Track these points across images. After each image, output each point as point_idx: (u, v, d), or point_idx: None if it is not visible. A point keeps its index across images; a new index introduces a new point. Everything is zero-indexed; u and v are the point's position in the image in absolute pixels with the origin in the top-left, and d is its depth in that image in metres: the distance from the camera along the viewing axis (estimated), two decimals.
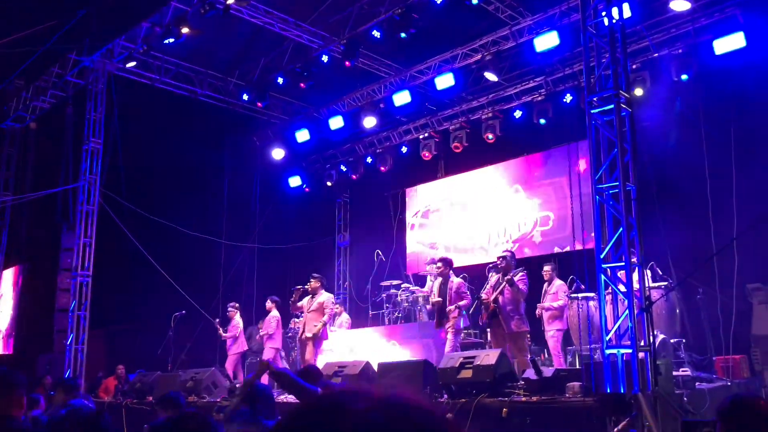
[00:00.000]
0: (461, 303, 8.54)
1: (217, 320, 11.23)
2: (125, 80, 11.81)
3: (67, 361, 10.77)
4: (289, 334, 11.72)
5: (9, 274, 13.33)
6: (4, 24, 10.41)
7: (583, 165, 10.38)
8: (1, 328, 13.14)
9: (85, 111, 11.63)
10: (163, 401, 5.02)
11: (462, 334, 9.08)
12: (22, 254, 13.14)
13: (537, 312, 8.73)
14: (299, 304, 9.58)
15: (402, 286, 11.80)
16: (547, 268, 8.96)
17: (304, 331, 9.42)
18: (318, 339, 9.37)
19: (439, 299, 8.64)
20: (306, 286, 9.63)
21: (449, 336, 8.57)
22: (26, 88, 12.61)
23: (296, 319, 11.81)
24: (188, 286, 12.05)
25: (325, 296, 9.53)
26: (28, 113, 12.92)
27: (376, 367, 8.03)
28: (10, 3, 10.64)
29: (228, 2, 9.44)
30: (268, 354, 10.51)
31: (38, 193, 12.10)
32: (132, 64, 11.48)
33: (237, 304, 11.24)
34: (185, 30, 9.94)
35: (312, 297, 9.49)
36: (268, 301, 10.90)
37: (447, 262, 9.03)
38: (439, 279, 8.88)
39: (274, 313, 10.74)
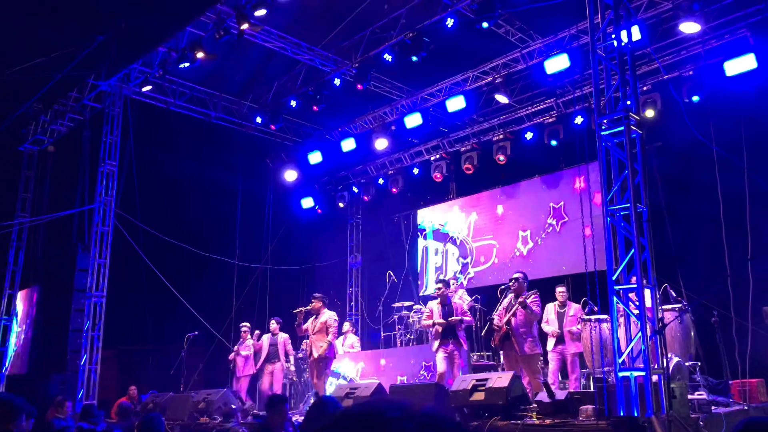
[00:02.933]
0: (456, 318, 8.51)
1: (235, 349, 11.24)
2: (141, 104, 12.04)
3: (80, 381, 10.84)
4: (300, 356, 11.71)
5: (25, 294, 13.47)
6: (24, 49, 10.68)
7: (579, 183, 10.44)
8: (16, 348, 13.24)
9: (102, 134, 11.85)
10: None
11: (467, 354, 9.02)
12: (38, 275, 13.29)
13: (552, 333, 8.70)
14: (304, 327, 9.59)
15: (414, 307, 11.78)
16: (561, 290, 8.95)
17: (311, 353, 9.45)
18: (326, 359, 9.41)
19: (442, 321, 8.59)
20: (308, 307, 9.64)
21: (457, 355, 8.50)
22: (45, 112, 12.88)
23: (307, 341, 11.82)
24: (201, 307, 12.11)
25: (327, 315, 9.56)
26: (46, 136, 13.17)
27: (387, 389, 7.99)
28: (30, 29, 10.92)
29: (242, 27, 9.62)
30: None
31: (55, 214, 12.28)
32: (148, 87, 11.71)
33: (249, 324, 11.25)
34: (200, 54, 10.15)
35: (315, 317, 9.55)
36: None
37: (445, 284, 9.05)
38: (437, 300, 8.84)
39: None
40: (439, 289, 8.87)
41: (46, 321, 12.85)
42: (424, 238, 14.38)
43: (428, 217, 14.47)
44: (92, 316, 11.17)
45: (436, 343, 8.61)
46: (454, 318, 8.52)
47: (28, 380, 12.31)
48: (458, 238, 13.76)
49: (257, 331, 11.21)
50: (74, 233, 11.80)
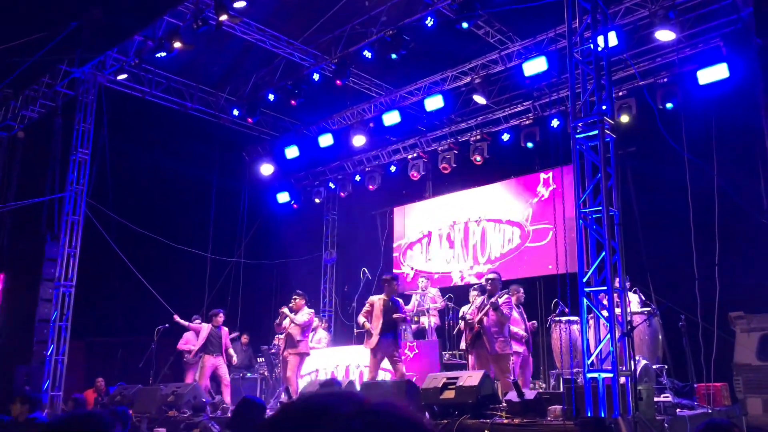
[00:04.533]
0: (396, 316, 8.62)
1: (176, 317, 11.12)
2: (116, 92, 11.83)
3: (46, 372, 10.63)
4: (272, 351, 11.64)
5: None
6: None
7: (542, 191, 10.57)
8: None
9: (74, 122, 11.62)
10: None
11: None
12: (3, 263, 12.99)
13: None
14: (284, 324, 9.58)
15: None
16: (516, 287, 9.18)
17: (285, 347, 9.43)
18: (301, 355, 9.42)
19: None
20: (290, 305, 9.63)
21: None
22: (15, 97, 12.57)
23: (280, 336, 11.76)
24: (173, 300, 11.96)
25: (306, 312, 9.65)
26: (16, 122, 12.86)
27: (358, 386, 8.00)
28: (2, 13, 10.65)
29: (220, 18, 9.51)
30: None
31: (23, 201, 12.01)
32: (123, 76, 11.51)
33: (198, 317, 11.16)
34: (177, 44, 10.01)
35: (295, 314, 9.57)
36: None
37: (394, 278, 9.18)
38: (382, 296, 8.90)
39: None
40: (388, 283, 8.92)
41: (12, 311, 12.57)
42: (399, 238, 14.40)
43: (405, 216, 14.48)
44: (60, 306, 10.97)
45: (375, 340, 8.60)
46: (398, 315, 8.61)
47: None
48: (433, 237, 13.81)
49: (195, 317, 11.15)
50: (43, 222, 11.56)
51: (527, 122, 11.80)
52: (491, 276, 8.60)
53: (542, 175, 12.15)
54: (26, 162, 12.90)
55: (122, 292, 12.28)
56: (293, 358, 9.40)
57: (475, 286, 9.17)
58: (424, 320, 10.87)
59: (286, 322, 9.52)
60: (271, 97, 11.81)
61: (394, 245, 14.32)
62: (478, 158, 12.32)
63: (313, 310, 10.00)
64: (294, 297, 9.75)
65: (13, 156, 13.08)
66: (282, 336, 11.54)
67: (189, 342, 11.13)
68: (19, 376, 11.10)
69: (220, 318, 10.66)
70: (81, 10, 10.66)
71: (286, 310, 9.60)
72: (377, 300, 8.85)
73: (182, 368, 11.64)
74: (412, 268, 13.80)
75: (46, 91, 12.10)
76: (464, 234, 13.12)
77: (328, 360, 10.84)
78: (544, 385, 9.51)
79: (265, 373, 11.80)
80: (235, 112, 12.62)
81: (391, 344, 8.65)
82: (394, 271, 13.95)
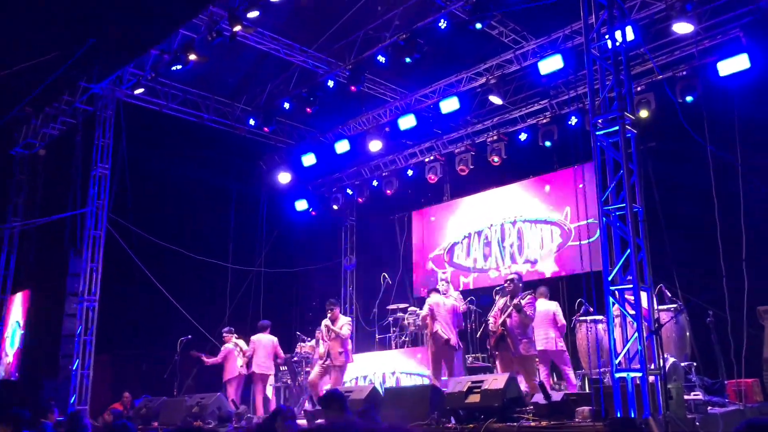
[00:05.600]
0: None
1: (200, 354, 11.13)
2: (133, 106, 11.96)
3: (72, 386, 10.73)
4: (295, 359, 11.64)
5: (17, 299, 13.35)
6: (15, 52, 10.59)
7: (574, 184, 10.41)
8: (9, 353, 13.12)
9: (94, 137, 11.76)
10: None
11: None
12: (30, 279, 13.17)
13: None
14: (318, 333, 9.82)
15: (409, 309, 11.74)
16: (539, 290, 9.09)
17: (328, 358, 9.42)
18: (343, 365, 9.45)
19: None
20: (328, 315, 9.61)
21: None
22: (36, 116, 12.77)
23: (302, 344, 11.76)
24: (195, 311, 12.03)
25: (343, 320, 9.62)
26: (37, 140, 13.06)
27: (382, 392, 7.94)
28: (21, 32, 10.82)
29: (234, 29, 9.57)
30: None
31: (47, 218, 12.17)
32: (140, 90, 11.63)
33: (231, 328, 11.14)
34: (192, 57, 10.09)
35: (333, 323, 9.52)
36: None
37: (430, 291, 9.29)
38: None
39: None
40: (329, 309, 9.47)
41: (37, 326, 12.74)
42: (420, 241, 14.32)
43: (425, 220, 14.42)
44: (84, 320, 11.07)
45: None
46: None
47: (20, 386, 12.19)
48: (455, 239, 13.73)
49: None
50: (66, 237, 11.70)
51: (544, 121, 11.70)
52: (512, 276, 8.51)
53: (562, 174, 12.01)
54: (48, 179, 13.08)
55: (145, 305, 12.37)
56: (335, 371, 9.38)
57: (497, 288, 9.07)
58: None
59: (323, 330, 9.57)
60: (287, 105, 11.85)
61: (434, 250, 14.10)
62: (496, 159, 12.23)
63: (350, 318, 10.09)
64: (330, 307, 9.64)
65: (35, 173, 13.27)
66: (307, 344, 11.56)
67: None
68: (46, 390, 11.22)
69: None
70: (98, 27, 10.80)
71: (327, 322, 9.52)
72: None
73: (207, 379, 11.69)
74: (450, 269, 13.60)
75: (66, 108, 12.27)
76: (501, 235, 12.98)
77: (367, 367, 10.81)
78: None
79: (288, 381, 11.79)
80: (252, 122, 12.68)
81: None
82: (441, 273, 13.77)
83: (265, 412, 9.99)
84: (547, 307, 8.85)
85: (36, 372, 12.12)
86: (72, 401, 10.59)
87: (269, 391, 11.04)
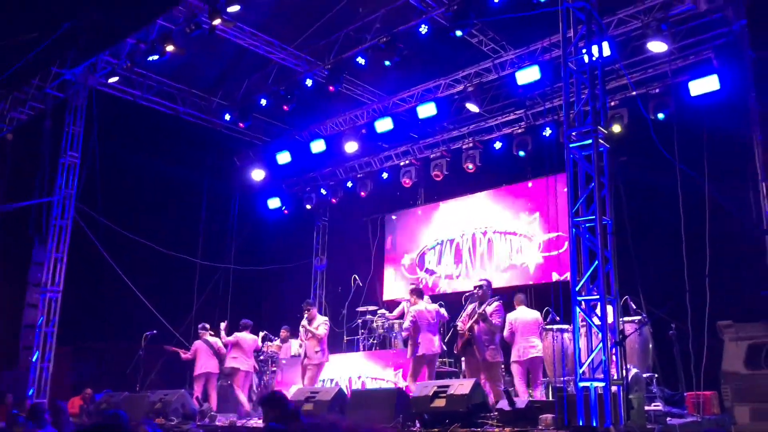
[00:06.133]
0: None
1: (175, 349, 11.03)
2: (106, 95, 11.74)
3: (31, 378, 10.48)
4: (261, 357, 11.54)
5: None
6: None
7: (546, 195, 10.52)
8: None
9: (64, 124, 11.52)
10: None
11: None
12: None
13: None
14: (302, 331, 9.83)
15: (378, 312, 11.75)
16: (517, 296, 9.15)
17: (306, 356, 9.60)
18: (320, 363, 9.61)
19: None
20: (305, 315, 9.80)
21: None
22: (4, 99, 12.44)
23: (269, 343, 11.68)
24: (161, 305, 11.86)
25: (319, 320, 9.78)
26: (5, 124, 12.72)
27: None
28: None
29: (214, 22, 9.49)
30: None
31: (11, 205, 11.86)
32: (114, 79, 11.41)
33: (206, 324, 11.02)
34: (170, 48, 9.96)
35: (309, 323, 9.66)
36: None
37: (415, 292, 9.25)
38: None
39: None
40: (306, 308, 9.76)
41: None
42: (391, 248, 14.36)
43: (396, 223, 14.46)
44: (47, 311, 10.84)
45: None
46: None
47: None
48: (427, 244, 13.80)
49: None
50: (31, 225, 11.42)
51: (519, 131, 11.84)
52: (481, 283, 8.58)
53: (534, 184, 12.16)
54: (15, 164, 12.74)
55: (110, 298, 12.16)
56: (312, 369, 9.55)
57: (466, 294, 9.13)
58: None
59: (301, 331, 9.70)
60: (264, 102, 11.78)
61: (406, 254, 14.11)
62: (470, 166, 12.33)
63: (326, 318, 10.17)
64: (306, 307, 9.87)
65: (1, 158, 12.93)
66: (273, 344, 11.50)
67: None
68: (4, 381, 10.94)
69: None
70: (74, 12, 10.58)
71: (305, 322, 9.71)
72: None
73: (172, 377, 11.54)
74: (428, 275, 13.66)
75: (36, 93, 11.98)
76: (471, 243, 13.07)
77: (333, 369, 10.79)
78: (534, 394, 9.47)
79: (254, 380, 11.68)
80: (227, 117, 12.57)
81: None
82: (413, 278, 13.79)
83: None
84: (534, 315, 8.77)
85: None
86: (30, 393, 10.35)
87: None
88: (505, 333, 8.46)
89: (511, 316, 8.58)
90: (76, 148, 11.49)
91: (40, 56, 10.83)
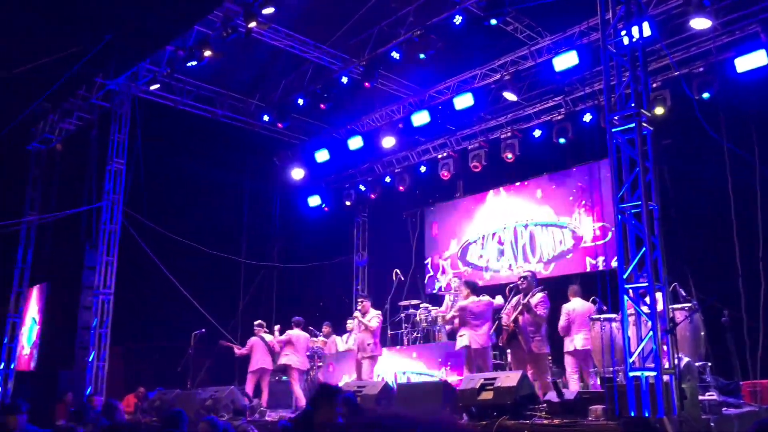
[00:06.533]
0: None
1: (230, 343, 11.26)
2: (149, 102, 12.04)
3: (88, 377, 10.86)
4: (307, 353, 11.68)
5: (34, 292, 13.52)
6: (33, 48, 10.69)
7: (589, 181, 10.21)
8: (27, 345, 13.29)
9: (110, 132, 11.87)
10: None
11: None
12: (46, 273, 13.33)
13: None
14: (348, 325, 10.02)
15: (421, 306, 11.74)
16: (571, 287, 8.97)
17: (359, 350, 9.70)
18: (374, 356, 9.64)
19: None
20: (358, 308, 9.99)
21: None
22: (53, 111, 12.90)
23: (314, 339, 11.81)
24: (208, 305, 12.11)
25: (372, 313, 9.85)
26: (54, 135, 13.20)
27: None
28: (39, 28, 10.92)
29: (249, 25, 9.60)
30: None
31: (63, 212, 12.30)
32: (155, 86, 11.71)
33: (262, 322, 11.22)
34: (208, 53, 10.13)
35: (363, 316, 9.76)
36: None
37: (468, 285, 9.02)
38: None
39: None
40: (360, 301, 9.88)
41: (54, 318, 12.89)
42: (433, 237, 14.31)
43: (436, 215, 14.40)
44: (100, 313, 11.21)
45: None
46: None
47: (37, 377, 12.35)
48: (470, 237, 13.71)
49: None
50: (82, 231, 11.83)
51: (559, 118, 11.64)
52: (525, 274, 8.49)
53: (576, 171, 11.94)
54: (64, 173, 13.22)
55: (159, 299, 12.48)
56: (366, 362, 9.60)
57: (510, 286, 9.04)
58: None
59: (353, 323, 9.75)
60: (301, 101, 11.87)
61: (447, 249, 14.05)
62: (509, 156, 12.18)
63: (380, 312, 10.20)
64: (360, 300, 10.09)
65: (52, 168, 13.42)
66: (317, 339, 11.62)
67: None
68: (63, 381, 11.38)
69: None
70: (114, 23, 10.87)
71: (358, 314, 9.83)
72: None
73: (220, 372, 11.76)
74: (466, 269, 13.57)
75: (82, 104, 12.38)
76: (513, 236, 12.94)
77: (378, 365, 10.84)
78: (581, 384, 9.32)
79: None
80: (266, 118, 12.72)
81: None
82: (453, 272, 13.72)
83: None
84: (588, 306, 8.59)
85: (52, 364, 12.28)
86: (87, 392, 10.72)
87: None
88: (562, 323, 8.38)
89: (568, 306, 8.50)
90: (122, 155, 11.82)
91: (85, 68, 11.17)
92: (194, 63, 10.40)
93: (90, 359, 10.96)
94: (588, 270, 11.32)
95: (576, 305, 8.51)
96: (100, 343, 11.11)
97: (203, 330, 11.24)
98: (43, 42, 10.79)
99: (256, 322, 11.09)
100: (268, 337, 10.82)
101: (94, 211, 11.67)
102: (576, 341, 8.25)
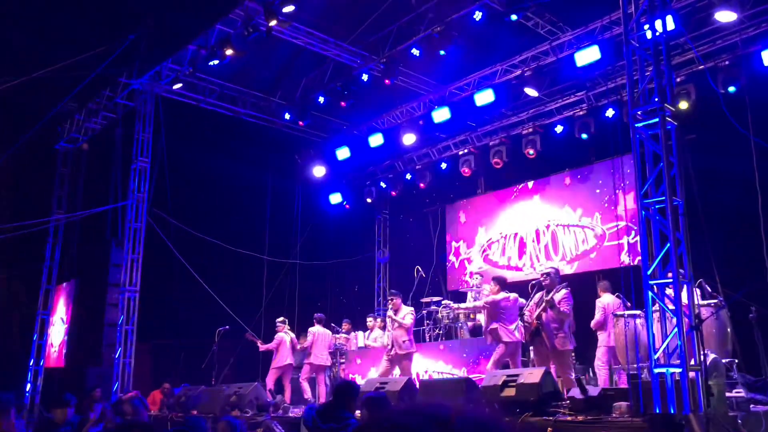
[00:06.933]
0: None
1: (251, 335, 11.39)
2: (172, 101, 12.20)
3: (115, 374, 11.06)
4: (330, 351, 11.75)
5: (62, 289, 13.79)
6: (58, 49, 10.90)
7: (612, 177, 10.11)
8: (55, 342, 13.57)
9: (134, 132, 12.04)
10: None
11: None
12: (73, 270, 13.59)
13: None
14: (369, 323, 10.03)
15: (443, 302, 11.74)
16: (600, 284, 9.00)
17: (393, 348, 9.48)
18: (409, 352, 9.48)
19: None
20: (389, 306, 9.84)
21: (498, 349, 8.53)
22: (79, 111, 13.13)
23: (336, 335, 11.88)
24: (232, 302, 12.24)
25: (405, 310, 9.66)
26: (80, 134, 13.44)
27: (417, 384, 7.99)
28: (63, 29, 11.13)
29: (270, 24, 9.67)
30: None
31: (89, 211, 12.53)
32: (178, 85, 11.86)
33: (285, 319, 11.34)
34: (229, 51, 10.23)
35: (395, 313, 9.59)
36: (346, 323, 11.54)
37: (498, 281, 9.01)
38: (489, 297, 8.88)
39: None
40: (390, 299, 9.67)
41: (81, 315, 13.14)
42: (458, 239, 14.28)
43: (458, 213, 14.37)
44: (126, 310, 11.38)
45: None
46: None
47: (66, 373, 12.60)
48: (493, 233, 13.67)
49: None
50: (108, 229, 12.04)
51: (581, 113, 11.55)
52: (548, 270, 8.44)
53: (599, 167, 11.84)
54: (90, 172, 13.46)
55: (183, 296, 12.64)
56: (403, 359, 9.42)
57: (533, 282, 9.00)
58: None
59: (373, 322, 9.71)
60: (321, 99, 11.93)
61: (470, 248, 14.02)
62: (531, 151, 12.12)
63: (412, 308, 9.97)
64: (390, 297, 9.86)
65: (78, 167, 13.67)
66: (339, 336, 11.68)
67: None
68: (90, 377, 11.59)
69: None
70: (137, 23, 11.04)
71: (390, 313, 9.64)
72: None
73: (244, 369, 11.88)
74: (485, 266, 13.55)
75: (107, 104, 12.59)
76: (535, 236, 12.89)
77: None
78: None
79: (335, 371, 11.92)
80: (287, 116, 12.81)
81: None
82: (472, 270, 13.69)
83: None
84: (619, 302, 8.63)
85: (80, 360, 12.52)
86: (115, 389, 10.92)
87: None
88: (599, 317, 8.56)
89: (603, 301, 8.66)
90: (146, 154, 11.98)
91: (110, 68, 11.36)
92: (216, 62, 10.51)
93: (117, 356, 11.15)
94: (612, 267, 11.22)
95: (609, 300, 8.65)
96: (126, 339, 11.29)
97: (227, 327, 11.38)
98: (69, 42, 11.00)
99: (279, 319, 11.21)
100: (292, 334, 10.94)
101: (120, 210, 11.86)
102: (611, 335, 8.30)
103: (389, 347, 9.57)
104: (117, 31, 11.12)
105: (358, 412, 5.32)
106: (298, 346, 10.99)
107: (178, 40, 11.19)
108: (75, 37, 11.17)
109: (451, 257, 14.26)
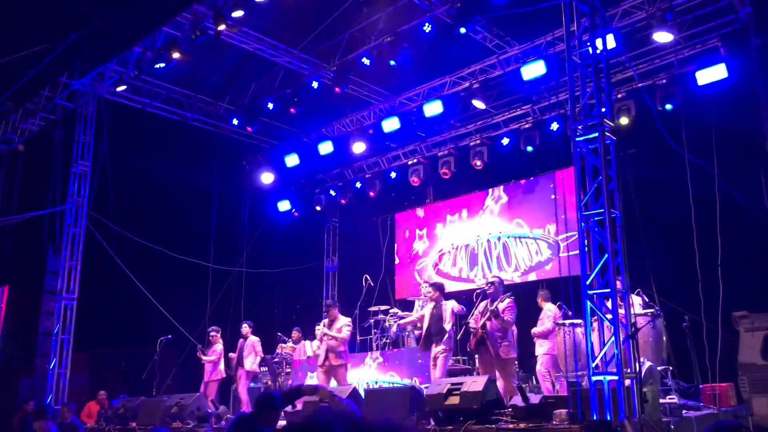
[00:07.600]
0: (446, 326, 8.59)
1: (199, 347, 11.12)
2: (115, 104, 11.86)
3: (49, 385, 10.61)
4: (276, 360, 11.61)
5: None
6: None
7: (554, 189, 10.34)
8: None
9: (74, 134, 11.65)
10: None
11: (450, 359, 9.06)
12: (7, 276, 12.99)
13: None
14: (317, 332, 9.55)
15: (390, 311, 11.76)
16: (541, 293, 9.17)
17: (326, 359, 9.13)
18: (345, 363, 9.25)
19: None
20: (324, 316, 9.63)
21: (440, 359, 8.56)
22: (15, 111, 12.60)
23: (283, 344, 11.74)
24: (175, 310, 11.94)
25: (342, 321, 9.31)
26: (16, 135, 12.90)
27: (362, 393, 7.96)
28: (2, 25, 10.68)
29: (219, 28, 9.54)
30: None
31: (25, 215, 12.02)
32: (122, 88, 11.54)
33: (219, 329, 11.10)
34: (176, 55, 10.04)
35: (331, 323, 9.25)
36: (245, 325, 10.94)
37: (437, 287, 9.07)
38: (431, 304, 8.90)
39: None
40: (429, 293, 9.21)
41: (15, 324, 12.56)
42: (404, 244, 14.36)
43: (408, 221, 14.46)
44: (62, 318, 10.96)
45: None
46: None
47: None
48: (439, 242, 13.79)
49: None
50: (45, 234, 11.56)
51: (527, 126, 11.81)
52: (493, 279, 8.57)
53: (543, 179, 12.11)
54: (27, 175, 12.93)
55: (124, 304, 12.27)
56: (339, 370, 9.13)
57: (477, 291, 9.12)
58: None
59: (321, 329, 9.26)
60: (271, 105, 11.83)
61: (420, 258, 14.07)
62: (478, 163, 12.32)
63: (349, 319, 9.61)
64: (327, 308, 9.56)
65: (14, 169, 13.11)
66: (287, 345, 11.55)
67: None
68: (23, 389, 11.09)
69: (243, 329, 10.91)
70: (80, 22, 10.70)
71: (321, 327, 9.28)
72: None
73: (188, 381, 11.59)
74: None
75: (46, 104, 12.14)
76: (487, 247, 13.02)
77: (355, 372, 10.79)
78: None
79: (269, 383, 11.76)
80: (235, 122, 12.64)
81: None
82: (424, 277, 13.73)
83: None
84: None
85: (12, 371, 11.96)
86: (48, 401, 10.47)
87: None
88: (549, 326, 8.74)
89: (551, 309, 8.92)
90: (87, 157, 11.60)
91: (50, 67, 10.96)
92: (162, 65, 10.29)
93: (51, 366, 10.71)
94: (552, 277, 11.47)
95: (554, 308, 8.92)
96: (62, 349, 10.86)
97: (170, 336, 11.09)
98: (6, 40, 10.56)
99: (212, 329, 10.97)
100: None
101: (58, 214, 11.43)
102: (553, 344, 8.52)
103: (322, 359, 9.19)
104: (59, 29, 10.75)
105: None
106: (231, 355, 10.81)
107: (124, 41, 10.91)
108: (13, 33, 10.73)
109: (400, 266, 14.31)
